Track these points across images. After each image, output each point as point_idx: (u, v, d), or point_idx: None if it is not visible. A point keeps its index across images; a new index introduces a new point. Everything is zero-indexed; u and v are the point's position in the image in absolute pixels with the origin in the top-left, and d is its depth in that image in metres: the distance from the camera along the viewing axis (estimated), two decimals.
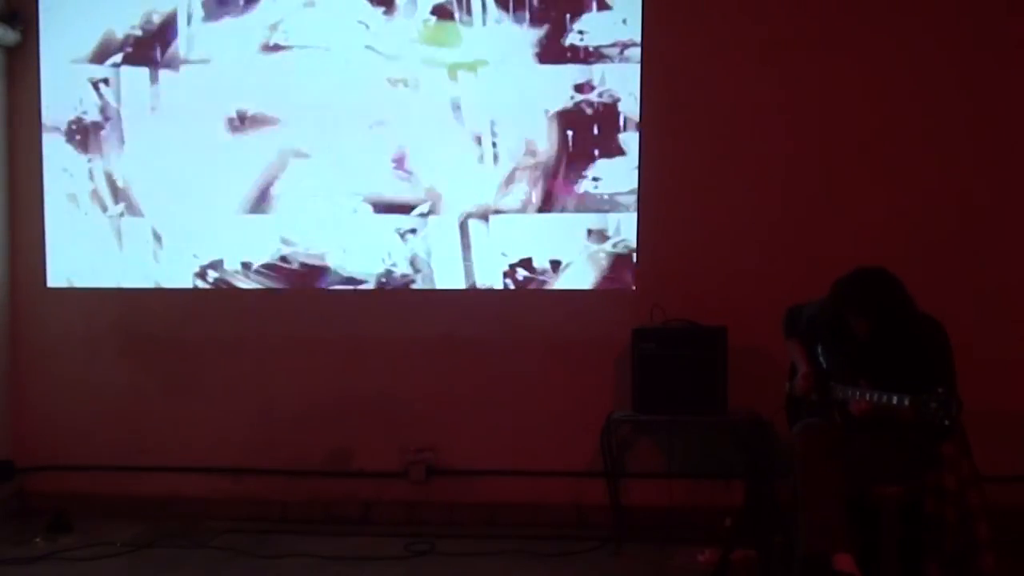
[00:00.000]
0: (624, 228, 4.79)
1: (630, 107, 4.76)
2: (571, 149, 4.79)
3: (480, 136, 4.84)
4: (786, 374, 4.00)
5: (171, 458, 5.00)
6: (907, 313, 3.49)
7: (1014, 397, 4.51)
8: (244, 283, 4.97)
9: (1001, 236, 4.60)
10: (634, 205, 4.78)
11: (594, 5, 4.76)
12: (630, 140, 4.76)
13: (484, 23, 4.82)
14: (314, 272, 4.95)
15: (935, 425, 3.28)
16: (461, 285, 4.88)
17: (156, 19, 4.96)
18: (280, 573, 4.16)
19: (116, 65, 4.99)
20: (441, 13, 4.84)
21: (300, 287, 4.95)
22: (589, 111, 4.77)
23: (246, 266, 4.97)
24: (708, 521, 4.46)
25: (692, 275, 4.73)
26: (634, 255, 4.79)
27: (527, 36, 4.79)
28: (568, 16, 4.77)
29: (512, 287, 4.85)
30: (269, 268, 4.95)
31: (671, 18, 4.73)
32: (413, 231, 4.88)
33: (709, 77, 4.74)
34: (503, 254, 4.86)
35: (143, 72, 4.98)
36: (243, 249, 4.99)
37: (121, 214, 5.03)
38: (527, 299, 4.86)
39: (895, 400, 3.36)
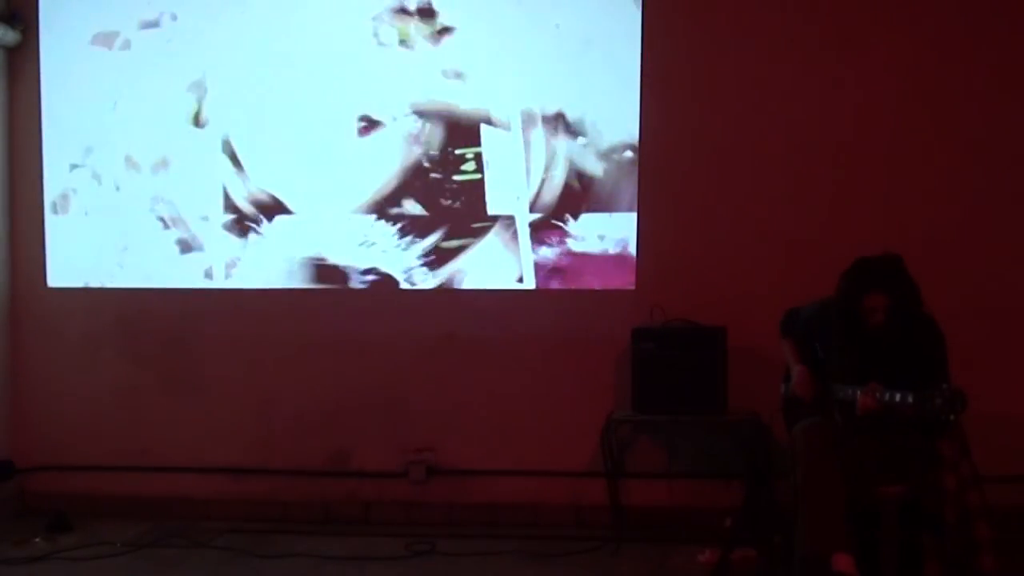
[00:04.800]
0: (624, 227, 4.80)
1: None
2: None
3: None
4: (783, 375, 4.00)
5: (171, 458, 5.00)
6: (919, 296, 3.51)
7: (1014, 398, 4.51)
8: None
9: (1001, 236, 4.60)
10: (634, 205, 4.78)
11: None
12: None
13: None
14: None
15: (939, 421, 3.29)
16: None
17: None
18: (280, 573, 4.16)
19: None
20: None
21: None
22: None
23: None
24: (708, 521, 4.46)
25: (692, 275, 4.73)
26: (634, 255, 4.79)
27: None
28: None
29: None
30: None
31: (671, 18, 4.73)
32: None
33: (709, 77, 4.73)
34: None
35: None
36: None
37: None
38: (527, 299, 4.85)
39: (898, 397, 3.36)
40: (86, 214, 5.07)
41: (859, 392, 3.47)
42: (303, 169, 4.95)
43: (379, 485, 4.93)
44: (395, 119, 4.89)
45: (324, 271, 4.95)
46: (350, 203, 4.92)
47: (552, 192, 4.82)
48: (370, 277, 4.92)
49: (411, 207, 4.89)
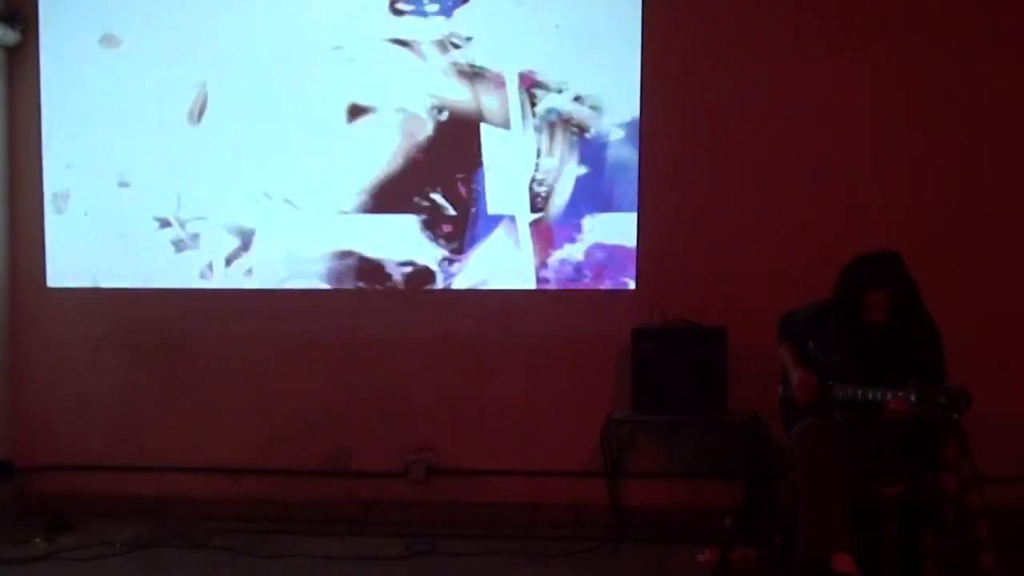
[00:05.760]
0: (624, 227, 4.79)
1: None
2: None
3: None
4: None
5: (171, 458, 5.00)
6: (918, 293, 3.51)
7: (1014, 397, 4.51)
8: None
9: (1001, 236, 4.60)
10: (634, 205, 4.78)
11: None
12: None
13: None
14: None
15: (943, 419, 3.29)
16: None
17: None
18: (280, 573, 4.16)
19: None
20: None
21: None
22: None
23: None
24: (708, 521, 4.46)
25: (692, 275, 4.73)
26: (634, 255, 4.79)
27: None
28: None
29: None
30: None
31: (671, 18, 4.73)
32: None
33: (710, 76, 4.73)
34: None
35: None
36: None
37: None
38: (527, 299, 4.85)
39: (914, 398, 3.35)
40: (86, 214, 5.07)
41: (888, 395, 3.42)
42: (304, 166, 4.95)
43: (379, 485, 4.93)
44: (397, 116, 4.90)
45: (325, 270, 4.97)
46: (352, 200, 4.92)
47: (551, 191, 4.82)
48: (371, 275, 4.94)
49: (411, 205, 4.90)
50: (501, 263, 4.86)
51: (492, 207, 4.86)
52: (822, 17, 4.68)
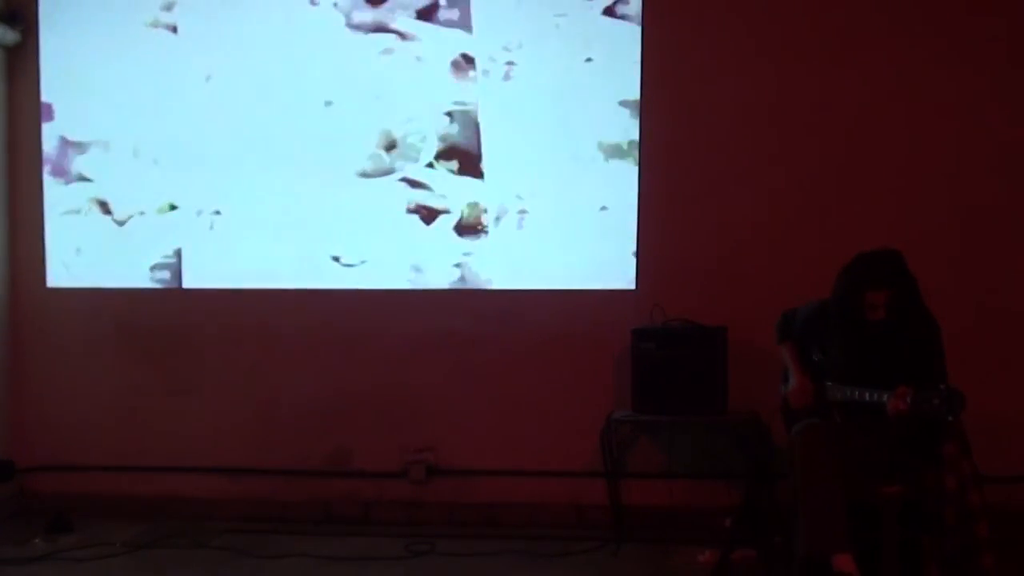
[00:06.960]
0: (624, 227, 4.79)
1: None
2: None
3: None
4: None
5: (171, 458, 5.00)
6: (918, 290, 3.51)
7: (1014, 397, 4.50)
8: None
9: (1001, 237, 4.60)
10: (634, 204, 4.78)
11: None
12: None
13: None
14: None
15: (939, 421, 3.29)
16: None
17: None
18: (280, 573, 4.16)
19: None
20: None
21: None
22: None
23: None
24: (708, 521, 4.47)
25: (692, 275, 4.73)
26: (634, 255, 4.79)
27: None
28: None
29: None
30: None
31: (672, 18, 4.73)
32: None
33: (710, 77, 4.73)
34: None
35: None
36: None
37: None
38: (527, 299, 4.85)
39: (909, 399, 3.35)
40: (85, 214, 5.07)
41: (886, 397, 3.41)
42: (305, 165, 4.95)
43: (379, 485, 4.93)
44: (402, 122, 4.91)
45: (326, 268, 4.96)
46: (351, 199, 4.93)
47: (547, 189, 4.82)
48: (372, 274, 4.93)
49: (413, 203, 4.91)
50: (501, 262, 4.86)
51: (491, 208, 4.86)
52: (825, 21, 4.67)
